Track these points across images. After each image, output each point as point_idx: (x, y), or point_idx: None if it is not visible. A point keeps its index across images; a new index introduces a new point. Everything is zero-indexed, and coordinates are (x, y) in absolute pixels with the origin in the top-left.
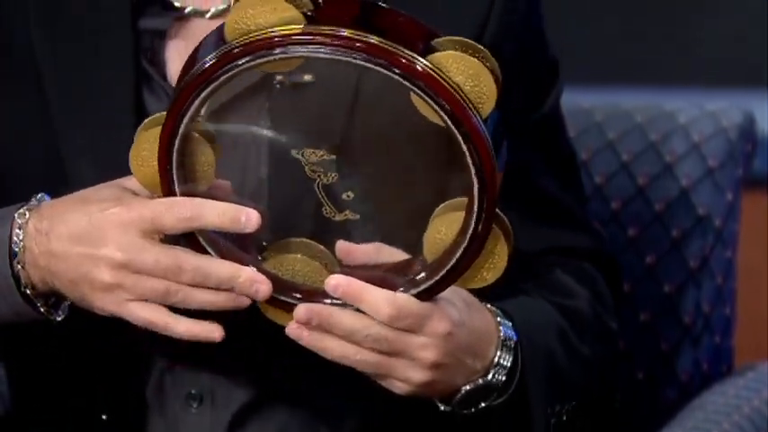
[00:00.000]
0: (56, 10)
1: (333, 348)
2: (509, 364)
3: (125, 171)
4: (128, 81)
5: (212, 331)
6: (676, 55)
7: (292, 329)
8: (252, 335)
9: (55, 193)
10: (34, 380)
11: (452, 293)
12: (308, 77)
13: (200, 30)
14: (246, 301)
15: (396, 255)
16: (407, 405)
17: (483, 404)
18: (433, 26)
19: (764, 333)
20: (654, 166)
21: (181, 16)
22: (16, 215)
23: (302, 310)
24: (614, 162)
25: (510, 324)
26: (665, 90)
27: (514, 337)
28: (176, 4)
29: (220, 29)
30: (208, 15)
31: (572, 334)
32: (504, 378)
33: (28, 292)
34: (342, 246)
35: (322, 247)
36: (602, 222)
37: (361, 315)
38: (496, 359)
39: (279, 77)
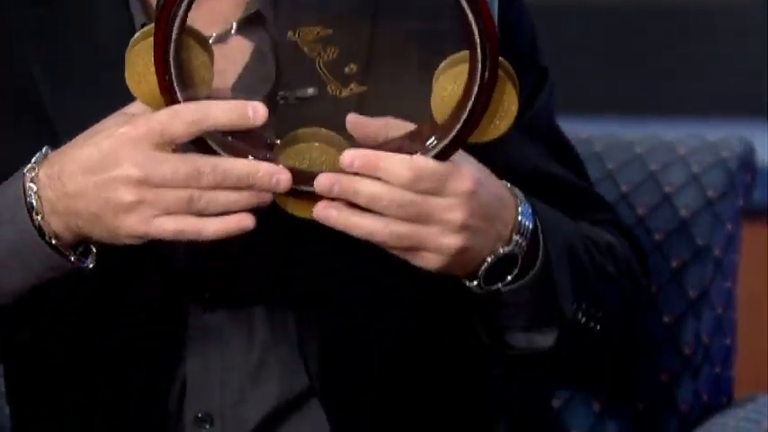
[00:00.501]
0: (54, 41)
1: (361, 224)
2: (531, 227)
3: None
4: None
5: (243, 220)
6: (676, 85)
7: (320, 209)
8: (262, 355)
9: None
10: (40, 402)
11: (467, 156)
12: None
13: None
14: (268, 197)
15: (406, 126)
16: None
17: (509, 277)
18: None
19: (764, 364)
20: (653, 196)
21: None
22: (25, 170)
23: (323, 177)
24: (614, 192)
25: (526, 203)
26: (665, 120)
27: (531, 213)
28: None
29: None
30: (211, 41)
31: (595, 249)
32: (525, 242)
33: (54, 242)
34: (352, 119)
35: (333, 132)
36: None
37: (383, 182)
38: (519, 218)
39: None
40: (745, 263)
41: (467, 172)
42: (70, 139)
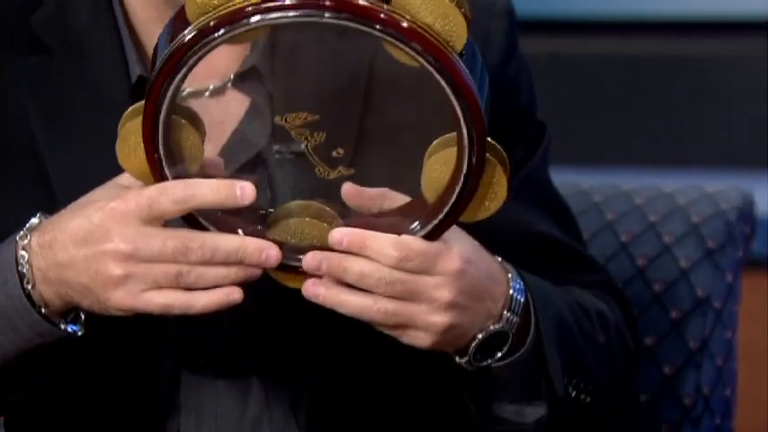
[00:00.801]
0: (51, 89)
1: (350, 301)
2: (522, 303)
3: None
4: None
5: (231, 293)
6: (675, 136)
7: (308, 287)
8: (257, 413)
9: None
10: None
11: (459, 233)
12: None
13: (198, 110)
14: (258, 272)
15: (401, 199)
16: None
17: (499, 353)
18: None
19: (764, 414)
20: (653, 246)
21: None
22: (18, 238)
23: (311, 255)
24: (613, 243)
25: (518, 278)
26: (664, 171)
27: (523, 288)
28: None
29: (180, 13)
30: (207, 93)
31: (584, 317)
32: (517, 319)
33: (43, 311)
34: (348, 189)
35: (323, 206)
36: None
37: (372, 260)
38: (511, 293)
39: None
40: (744, 313)
41: (456, 251)
42: (65, 191)
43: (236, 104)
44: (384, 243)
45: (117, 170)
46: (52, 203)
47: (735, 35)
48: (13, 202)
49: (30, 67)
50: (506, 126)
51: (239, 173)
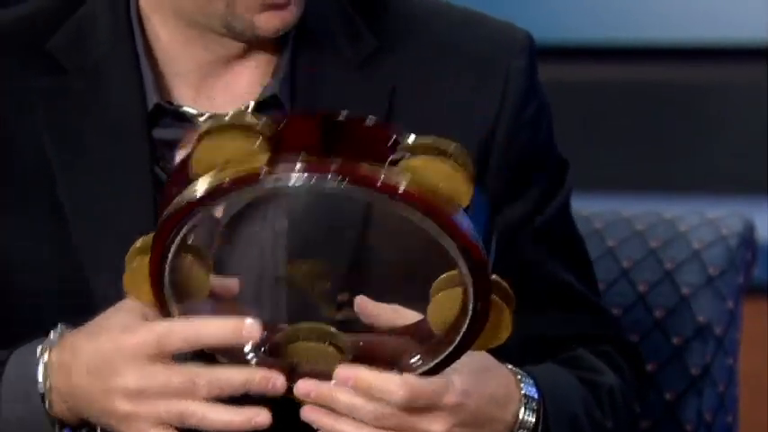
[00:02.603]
0: (66, 114)
1: (344, 430)
2: (532, 423)
3: None
4: (145, 193)
5: (257, 415)
6: (677, 163)
7: (306, 412)
8: None
9: (78, 310)
10: None
11: (463, 359)
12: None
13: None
14: (266, 418)
15: (411, 316)
16: None
17: None
18: (399, 127)
19: None
20: (654, 273)
21: (193, 128)
22: (38, 353)
23: (301, 384)
24: (614, 269)
25: (532, 382)
26: (665, 198)
27: (537, 396)
28: (191, 111)
29: (184, 162)
30: (227, 119)
31: (595, 405)
32: None
33: (62, 429)
34: (361, 303)
35: (332, 329)
36: None
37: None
38: (520, 417)
39: None
40: (745, 340)
41: (456, 385)
42: (77, 218)
43: None
44: (390, 384)
45: (127, 200)
46: (63, 232)
47: (735, 62)
48: (24, 229)
49: (46, 89)
50: (524, 163)
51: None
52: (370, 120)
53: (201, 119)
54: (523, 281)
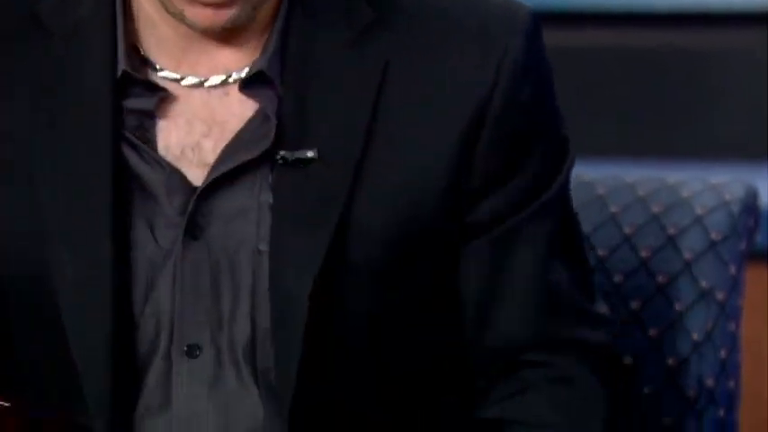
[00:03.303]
0: (46, 84)
1: None
2: None
3: (99, 256)
4: (104, 162)
5: None
6: (679, 129)
7: None
8: None
9: (33, 281)
10: None
11: None
12: None
13: (187, 104)
14: None
15: None
16: None
17: None
18: None
19: (765, 409)
20: (656, 239)
21: (165, 96)
22: None
23: None
24: (617, 235)
25: None
26: (668, 164)
27: None
28: (173, 76)
29: None
30: (207, 84)
31: None
32: None
33: None
34: None
35: None
36: (604, 295)
37: None
38: None
39: None
40: (746, 306)
41: None
42: (41, 189)
43: (241, 107)
44: None
45: (87, 168)
46: (31, 189)
47: (736, 27)
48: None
49: (30, 52)
50: (517, 144)
51: (239, 170)
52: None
53: (183, 82)
54: (510, 281)
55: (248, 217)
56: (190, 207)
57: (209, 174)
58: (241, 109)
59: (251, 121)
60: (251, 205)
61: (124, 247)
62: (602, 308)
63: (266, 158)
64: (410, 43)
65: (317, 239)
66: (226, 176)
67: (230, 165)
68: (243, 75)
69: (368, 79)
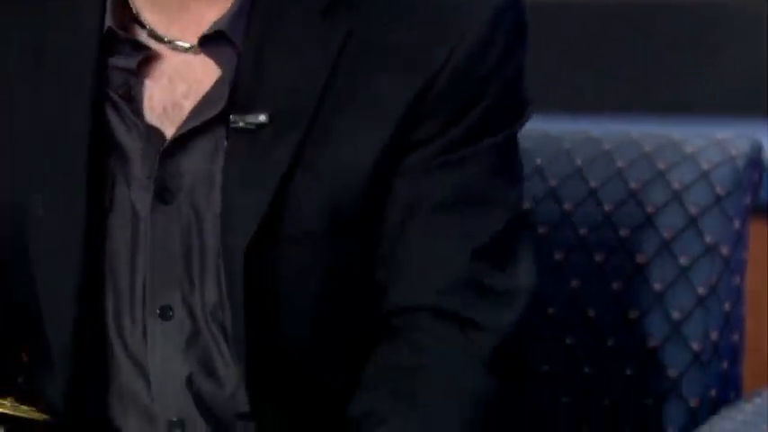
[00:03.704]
0: (38, 38)
1: None
2: None
3: (73, 212)
4: (83, 118)
5: None
6: (684, 84)
7: None
8: None
9: (11, 229)
10: None
11: None
12: None
13: (169, 63)
14: None
15: None
16: None
17: None
18: None
19: (766, 361)
20: (662, 194)
21: (150, 55)
22: None
23: None
24: (622, 190)
25: None
26: (673, 119)
27: None
28: (159, 33)
29: None
30: (188, 43)
31: None
32: None
33: None
34: None
35: None
36: (610, 250)
37: None
38: None
39: None
40: (750, 260)
41: None
42: (21, 141)
43: (202, 69)
44: None
45: (66, 123)
46: (12, 136)
47: None
48: None
49: (29, 4)
50: (456, 114)
51: (198, 132)
52: None
53: (167, 40)
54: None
55: (213, 180)
56: (155, 168)
57: (174, 135)
58: (203, 70)
59: (218, 82)
60: (215, 169)
61: (100, 207)
62: (516, 277)
63: (223, 121)
64: (376, 16)
65: (259, 202)
66: (186, 137)
67: (191, 125)
68: (203, 33)
69: (328, 46)
